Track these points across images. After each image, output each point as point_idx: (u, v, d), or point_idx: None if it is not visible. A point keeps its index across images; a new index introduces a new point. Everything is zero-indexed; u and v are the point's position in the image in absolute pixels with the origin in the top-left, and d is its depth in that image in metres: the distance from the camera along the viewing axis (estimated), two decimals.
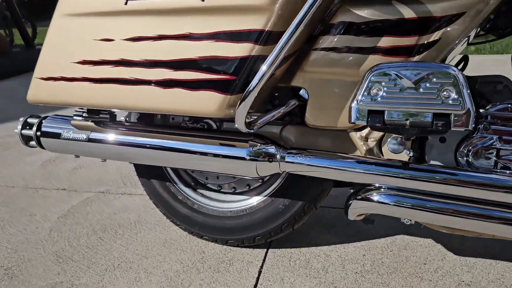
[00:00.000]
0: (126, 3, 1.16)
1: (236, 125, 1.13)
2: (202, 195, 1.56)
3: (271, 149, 1.22)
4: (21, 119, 1.48)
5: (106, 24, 1.20)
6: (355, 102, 1.06)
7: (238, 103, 1.09)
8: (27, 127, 1.48)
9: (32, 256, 1.58)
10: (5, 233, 1.74)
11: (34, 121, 1.47)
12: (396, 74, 1.02)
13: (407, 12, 1.08)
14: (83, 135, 1.39)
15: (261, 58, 1.07)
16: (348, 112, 1.08)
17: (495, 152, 1.08)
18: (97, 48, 1.22)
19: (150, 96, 1.17)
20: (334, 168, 1.16)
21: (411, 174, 1.09)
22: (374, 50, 1.10)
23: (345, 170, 1.15)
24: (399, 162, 1.12)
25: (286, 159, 1.20)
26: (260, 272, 1.44)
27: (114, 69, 1.20)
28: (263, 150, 1.22)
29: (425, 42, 1.08)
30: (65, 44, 1.26)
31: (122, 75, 1.19)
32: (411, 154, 1.14)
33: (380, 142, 1.22)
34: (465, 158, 1.11)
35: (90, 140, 1.38)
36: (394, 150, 1.14)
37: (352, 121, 1.07)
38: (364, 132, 1.22)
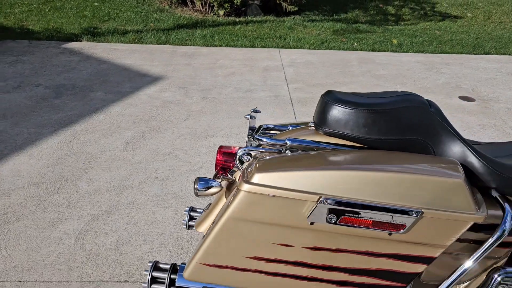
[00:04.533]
0: (312, 224, 1.28)
1: None
2: None
3: None
4: (145, 285, 1.46)
5: (287, 234, 1.32)
6: None
7: None
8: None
9: None
10: None
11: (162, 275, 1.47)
12: None
13: None
14: None
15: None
16: None
17: None
18: (274, 249, 1.34)
19: None
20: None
21: None
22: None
23: None
24: None
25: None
26: None
27: (289, 267, 1.36)
28: None
29: None
30: (238, 242, 1.35)
31: (297, 273, 1.36)
32: None
33: None
34: None
35: None
36: None
37: None
38: None
